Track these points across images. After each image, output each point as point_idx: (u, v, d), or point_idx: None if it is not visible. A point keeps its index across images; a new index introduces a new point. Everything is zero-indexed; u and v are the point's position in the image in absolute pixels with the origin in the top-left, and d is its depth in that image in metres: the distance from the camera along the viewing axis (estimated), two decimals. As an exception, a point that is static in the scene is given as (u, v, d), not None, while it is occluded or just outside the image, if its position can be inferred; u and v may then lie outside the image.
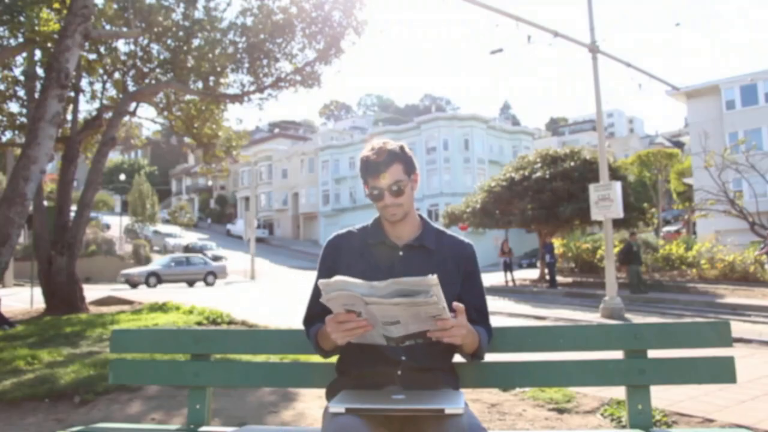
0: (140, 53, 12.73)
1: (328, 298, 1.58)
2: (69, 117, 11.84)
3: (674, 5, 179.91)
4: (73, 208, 11.27)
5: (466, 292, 1.94)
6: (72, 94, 11.57)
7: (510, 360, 2.08)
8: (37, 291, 11.33)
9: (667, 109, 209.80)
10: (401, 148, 1.90)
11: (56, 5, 9.59)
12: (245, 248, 32.66)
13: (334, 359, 1.96)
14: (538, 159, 21.36)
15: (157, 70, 12.87)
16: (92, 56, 11.93)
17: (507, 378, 2.08)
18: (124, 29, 11.44)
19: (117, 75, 13.06)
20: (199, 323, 8.16)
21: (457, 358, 1.93)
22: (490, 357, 1.98)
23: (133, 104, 12.67)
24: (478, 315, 1.95)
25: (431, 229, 1.97)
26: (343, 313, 1.61)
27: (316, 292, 1.96)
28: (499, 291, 19.24)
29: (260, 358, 4.35)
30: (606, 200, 11.88)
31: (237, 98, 12.50)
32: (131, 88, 12.67)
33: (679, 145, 55.63)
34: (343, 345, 1.72)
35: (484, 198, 21.84)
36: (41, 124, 6.83)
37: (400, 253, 1.91)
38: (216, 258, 36.39)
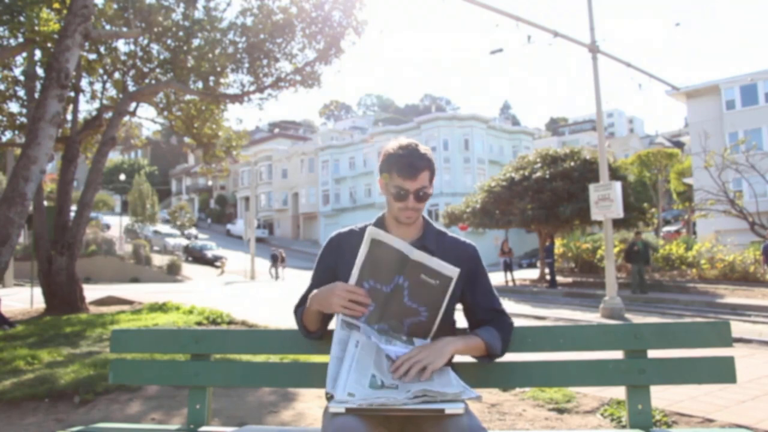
0: (140, 53, 12.72)
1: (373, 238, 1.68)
2: (69, 117, 11.83)
3: (674, 5, 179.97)
4: (73, 208, 11.27)
5: (474, 292, 1.95)
6: (72, 94, 11.57)
7: (510, 360, 2.07)
8: (37, 291, 11.33)
9: (667, 109, 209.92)
10: (430, 154, 1.89)
11: (56, 5, 9.58)
12: (245, 248, 32.66)
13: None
14: (538, 159, 21.36)
15: (157, 70, 12.87)
16: (92, 56, 11.93)
17: (507, 378, 2.08)
18: (124, 29, 11.44)
19: (117, 75, 13.05)
20: (199, 323, 8.17)
21: (457, 358, 1.92)
22: (490, 357, 1.97)
23: (133, 104, 12.66)
24: (490, 314, 1.95)
25: (433, 230, 1.98)
26: (357, 288, 1.70)
27: (314, 284, 1.96)
28: (499, 291, 18.92)
29: (260, 358, 4.36)
30: (606, 200, 11.88)
31: (237, 98, 12.49)
32: (131, 88, 12.66)
33: (679, 145, 55.58)
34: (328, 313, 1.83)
35: (484, 198, 21.84)
36: (41, 124, 6.83)
37: None
38: (216, 258, 36.43)
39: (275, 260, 29.42)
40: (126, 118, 13.18)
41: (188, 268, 33.04)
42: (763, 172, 17.53)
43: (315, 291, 1.83)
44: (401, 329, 1.75)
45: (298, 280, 26.05)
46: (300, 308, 1.97)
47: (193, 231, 46.17)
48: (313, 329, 1.93)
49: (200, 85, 12.38)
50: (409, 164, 1.82)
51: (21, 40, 9.58)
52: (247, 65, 12.36)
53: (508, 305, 14.97)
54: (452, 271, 1.70)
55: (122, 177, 49.78)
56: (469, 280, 1.94)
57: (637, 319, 11.63)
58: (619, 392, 3.85)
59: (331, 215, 51.79)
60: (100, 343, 6.54)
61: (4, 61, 10.79)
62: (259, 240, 42.64)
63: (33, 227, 11.08)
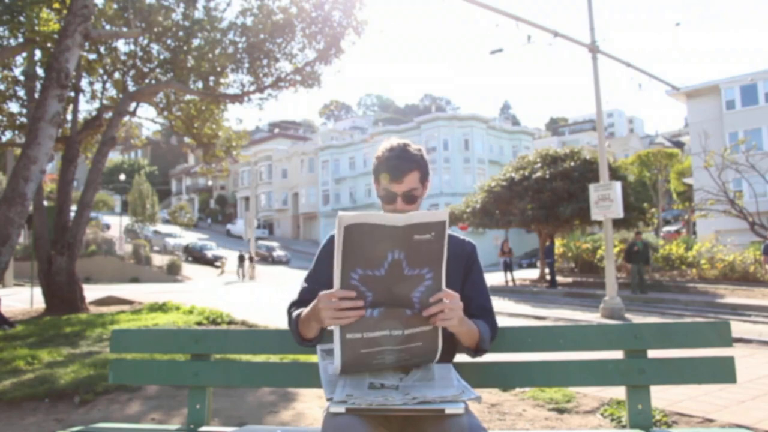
0: (140, 53, 12.72)
1: (346, 218, 1.47)
2: (69, 117, 11.84)
3: (674, 5, 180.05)
4: (73, 208, 11.28)
5: (468, 289, 1.93)
6: (72, 94, 11.57)
7: (510, 360, 2.07)
8: (37, 291, 11.33)
9: (667, 109, 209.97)
10: (421, 154, 1.86)
11: (56, 5, 9.59)
12: (245, 248, 32.66)
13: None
14: (538, 159, 21.36)
15: (157, 70, 12.87)
16: (92, 56, 11.94)
17: (507, 378, 2.08)
18: (124, 29, 11.44)
19: (117, 75, 13.06)
20: (199, 323, 8.17)
21: (458, 358, 1.92)
22: (490, 357, 1.97)
23: (133, 104, 12.67)
24: (481, 311, 1.94)
25: None
26: (342, 291, 1.51)
27: (310, 280, 1.94)
28: (499, 291, 19.23)
29: (260, 358, 4.36)
30: (606, 200, 11.88)
31: (237, 98, 12.50)
32: (131, 88, 12.66)
33: (679, 145, 55.63)
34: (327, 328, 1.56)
35: (484, 198, 21.84)
36: (41, 124, 6.83)
37: None
38: (216, 258, 36.43)
39: (242, 261, 29.55)
40: (126, 118, 13.18)
41: (188, 268, 33.05)
42: (763, 172, 17.55)
43: (302, 315, 1.74)
44: (411, 304, 1.59)
45: (286, 279, 26.10)
46: (294, 309, 1.88)
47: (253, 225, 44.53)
48: (309, 336, 1.78)
49: (200, 85, 12.39)
50: (394, 167, 1.80)
51: (21, 40, 9.59)
52: (247, 65, 12.36)
53: (508, 305, 15.01)
54: (441, 215, 1.52)
55: (122, 177, 49.78)
56: (465, 275, 1.94)
57: (637, 319, 11.63)
58: (619, 392, 3.85)
59: (331, 215, 51.74)
60: (100, 343, 6.54)
61: (4, 61, 10.79)
62: (259, 240, 42.64)
63: (33, 227, 11.08)
